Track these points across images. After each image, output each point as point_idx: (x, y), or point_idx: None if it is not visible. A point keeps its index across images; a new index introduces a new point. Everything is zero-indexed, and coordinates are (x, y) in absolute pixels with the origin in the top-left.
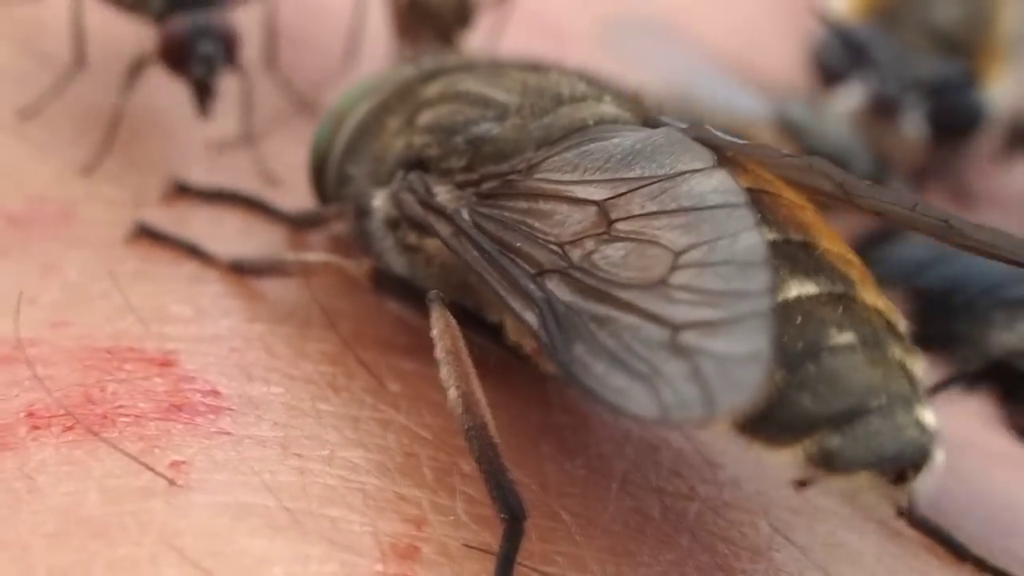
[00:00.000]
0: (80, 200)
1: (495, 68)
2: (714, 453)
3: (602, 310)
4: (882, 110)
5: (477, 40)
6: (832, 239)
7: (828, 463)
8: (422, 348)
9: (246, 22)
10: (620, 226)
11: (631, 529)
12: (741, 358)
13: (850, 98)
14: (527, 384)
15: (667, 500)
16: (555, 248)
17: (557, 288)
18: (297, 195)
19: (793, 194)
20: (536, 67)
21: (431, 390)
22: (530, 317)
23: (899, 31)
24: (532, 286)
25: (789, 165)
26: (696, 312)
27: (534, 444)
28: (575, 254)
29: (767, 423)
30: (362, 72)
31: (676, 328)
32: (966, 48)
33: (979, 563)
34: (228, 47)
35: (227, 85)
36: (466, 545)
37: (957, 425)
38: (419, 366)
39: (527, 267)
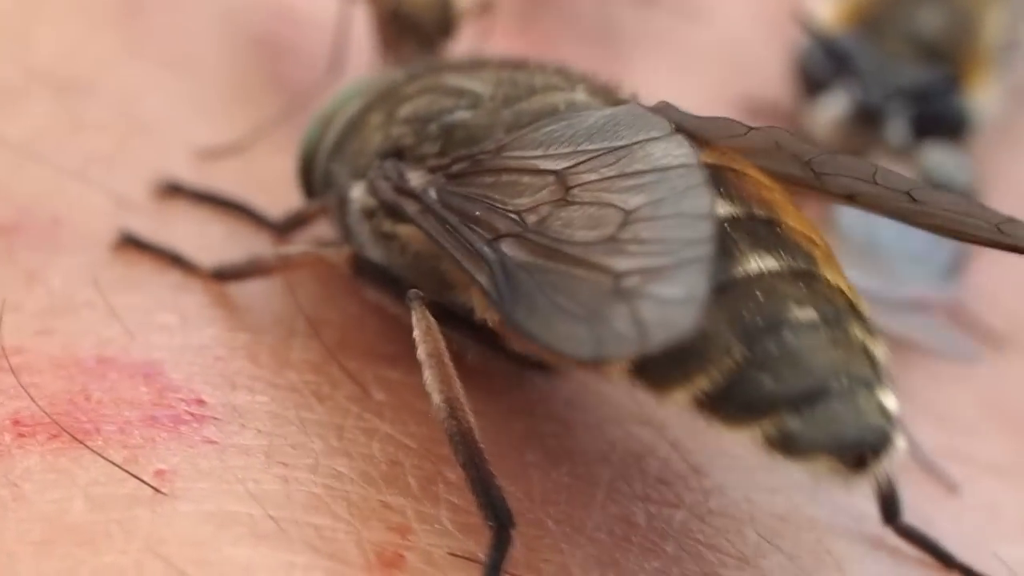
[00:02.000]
0: (66, 208)
1: (475, 64)
2: (700, 460)
3: (551, 265)
4: (865, 118)
5: (460, 50)
6: (797, 218)
7: (786, 446)
8: (407, 357)
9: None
10: (576, 192)
11: (617, 537)
12: (677, 299)
13: (833, 106)
14: (510, 392)
15: (653, 508)
16: (513, 215)
17: (511, 250)
18: (283, 204)
19: (759, 173)
20: (515, 63)
21: (416, 399)
22: (482, 279)
23: (882, 39)
24: (487, 249)
25: (755, 141)
26: (639, 261)
27: (518, 452)
28: (531, 219)
29: (726, 401)
30: (346, 81)
31: (618, 275)
32: (949, 56)
33: (965, 571)
34: None
35: (216, 92)
36: (451, 553)
37: (943, 434)
38: (404, 375)
39: (484, 233)
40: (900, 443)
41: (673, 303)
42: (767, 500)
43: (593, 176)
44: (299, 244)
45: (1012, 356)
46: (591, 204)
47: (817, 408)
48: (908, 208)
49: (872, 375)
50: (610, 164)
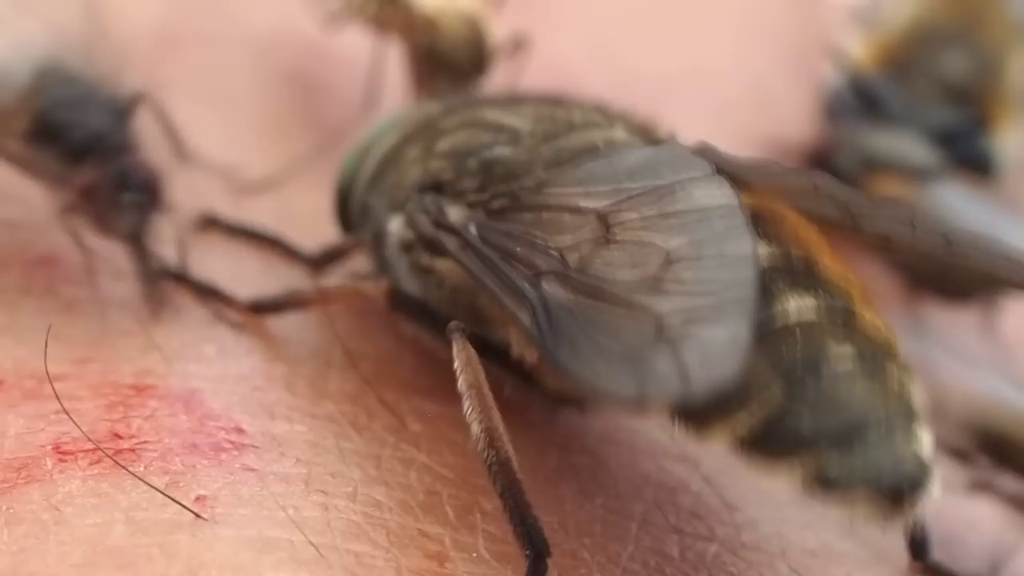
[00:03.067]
0: (102, 242)
1: (513, 99)
2: (732, 496)
3: (593, 305)
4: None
5: (492, 88)
6: (833, 259)
7: (825, 485)
8: (443, 389)
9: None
10: (617, 231)
11: (650, 569)
12: (720, 341)
13: (862, 147)
14: (544, 425)
15: (686, 541)
16: (554, 253)
17: (552, 288)
18: (317, 239)
19: (795, 215)
20: (553, 99)
21: (452, 430)
22: (523, 316)
23: (909, 80)
24: (528, 287)
25: (793, 184)
26: (681, 301)
27: (553, 485)
28: (572, 258)
29: (766, 439)
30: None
31: (661, 317)
32: (975, 98)
33: None
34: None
35: (250, 127)
36: None
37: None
38: (440, 407)
39: (525, 271)
40: (937, 484)
41: (716, 346)
42: (798, 535)
43: (634, 215)
44: (336, 278)
45: None
46: (632, 243)
47: (856, 447)
48: (942, 252)
49: (909, 414)
50: (651, 203)
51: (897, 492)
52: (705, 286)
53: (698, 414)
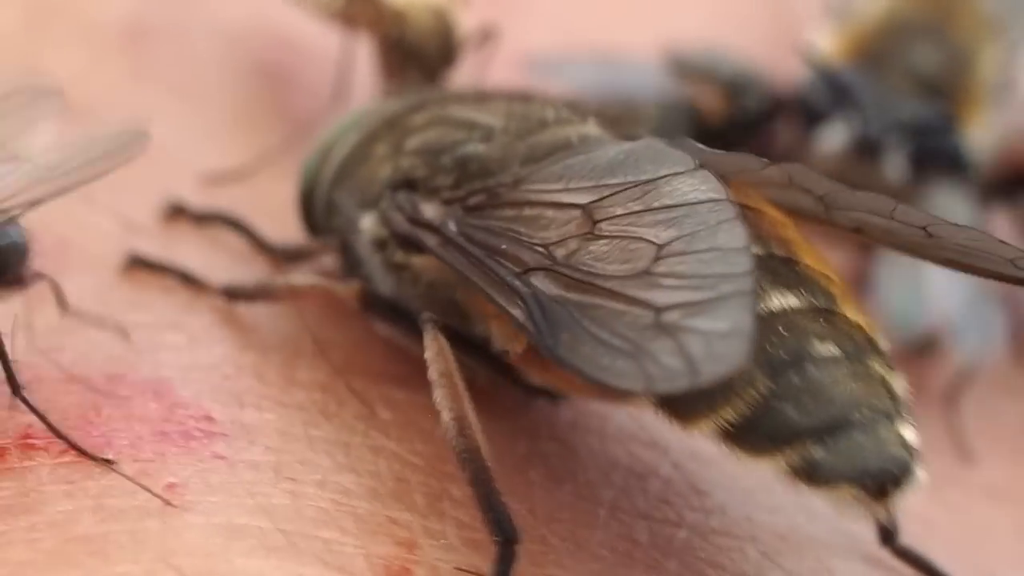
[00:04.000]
0: (73, 231)
1: (480, 96)
2: (702, 481)
3: (587, 299)
4: (864, 151)
5: (461, 78)
6: (813, 256)
7: (810, 475)
8: (412, 377)
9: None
10: (604, 226)
11: (619, 554)
12: (724, 333)
13: (832, 139)
14: (514, 413)
15: (655, 526)
16: (540, 249)
17: (542, 284)
18: (287, 230)
19: (774, 211)
20: (521, 95)
21: (421, 418)
22: (517, 312)
23: (880, 72)
24: (518, 283)
25: (769, 178)
26: (679, 295)
27: (522, 471)
28: (560, 253)
29: (750, 431)
30: (350, 109)
31: (659, 310)
32: (946, 92)
33: None
34: None
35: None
36: (457, 568)
37: (940, 459)
38: (409, 394)
39: (512, 267)
40: (921, 474)
41: (719, 337)
42: (767, 520)
43: (620, 210)
44: (308, 275)
45: (1010, 378)
46: (620, 238)
47: (840, 439)
48: (921, 243)
49: (892, 408)
50: (636, 198)
51: (881, 484)
52: (701, 280)
53: (683, 407)
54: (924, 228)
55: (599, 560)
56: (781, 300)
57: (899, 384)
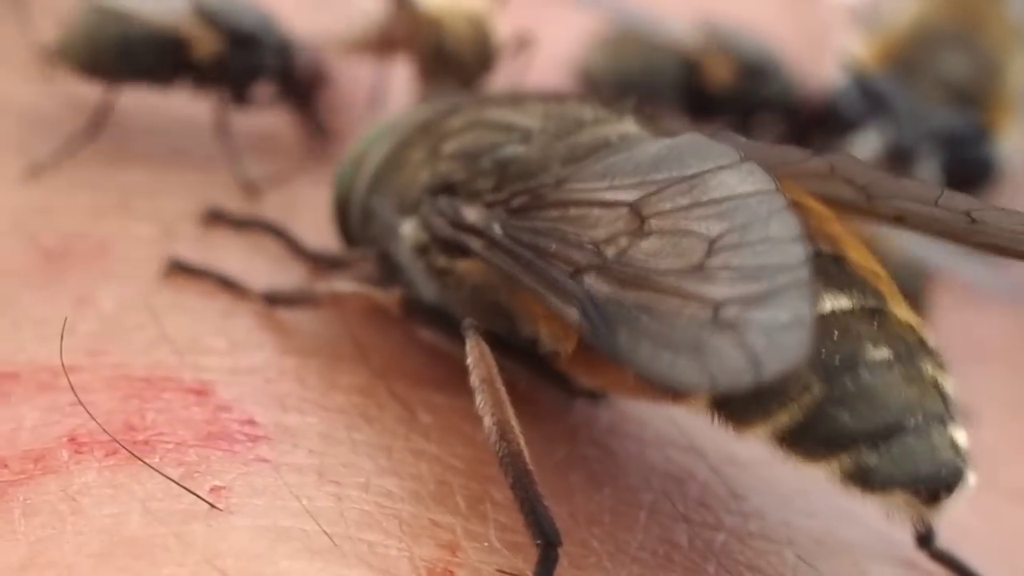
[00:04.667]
0: (113, 236)
1: (514, 99)
2: (739, 485)
3: (643, 297)
4: (897, 159)
5: (498, 85)
6: (859, 251)
7: (864, 480)
8: (452, 381)
9: None
10: (653, 222)
11: (659, 557)
12: (784, 324)
13: (865, 147)
14: (553, 417)
15: (694, 529)
16: (590, 247)
17: (595, 283)
18: (323, 237)
19: (818, 205)
20: (556, 96)
21: (461, 422)
22: (572, 312)
23: (912, 81)
24: (571, 283)
25: (811, 169)
26: (736, 288)
27: (562, 475)
28: (610, 251)
29: (804, 436)
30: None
31: (717, 305)
32: (975, 100)
33: None
34: None
35: (254, 130)
36: (499, 571)
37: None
38: (449, 399)
39: (564, 267)
40: (972, 479)
41: (781, 329)
42: (805, 524)
43: (668, 205)
44: (350, 282)
45: None
46: (671, 233)
47: (893, 444)
48: (964, 229)
49: (944, 410)
50: (684, 193)
51: (934, 490)
52: (757, 271)
53: (739, 410)
54: (968, 213)
55: (639, 562)
56: (833, 302)
57: (949, 383)
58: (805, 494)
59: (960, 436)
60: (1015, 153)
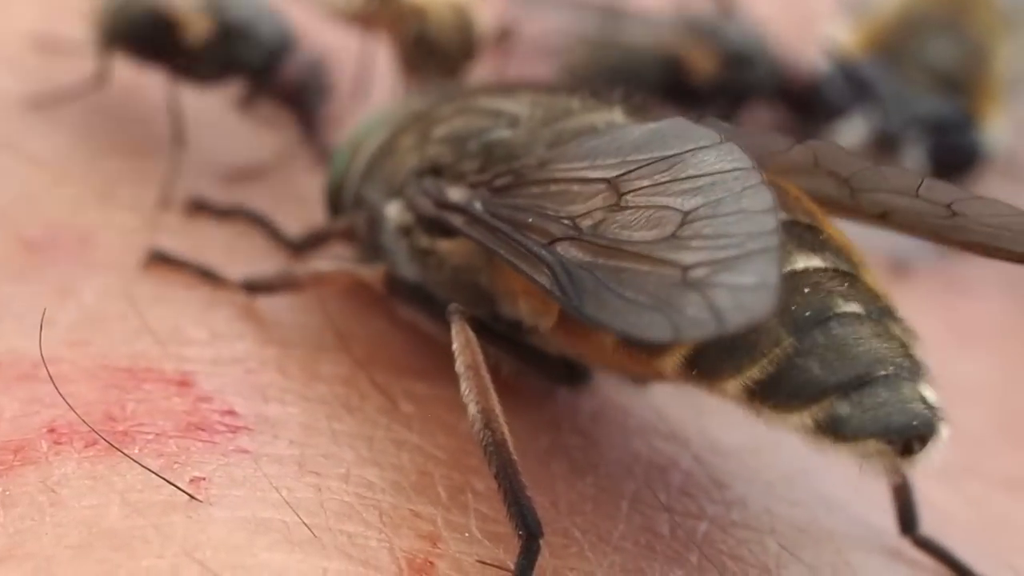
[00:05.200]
0: (96, 226)
1: (506, 88)
2: (722, 474)
3: (614, 263)
4: (883, 145)
5: (482, 72)
6: (834, 229)
7: (836, 430)
8: (434, 370)
9: None
10: (630, 198)
11: (641, 547)
12: (750, 286)
13: (851, 133)
14: (536, 406)
15: (676, 519)
16: (566, 221)
17: (568, 252)
18: (307, 224)
19: (797, 189)
20: (547, 86)
21: (443, 412)
22: (544, 279)
23: (899, 68)
24: (544, 252)
25: (793, 160)
26: (705, 254)
27: (544, 464)
28: (586, 224)
29: (776, 389)
30: (371, 106)
31: (686, 268)
32: (962, 87)
33: None
34: None
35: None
36: (480, 561)
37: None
38: (431, 388)
39: (539, 239)
40: (945, 432)
41: (746, 290)
42: (787, 512)
43: (646, 182)
44: (333, 261)
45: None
46: (646, 208)
47: (865, 394)
48: (944, 224)
49: (915, 367)
50: (663, 171)
51: (907, 439)
52: (728, 239)
53: (710, 367)
54: (949, 205)
55: (621, 552)
56: (805, 262)
57: (918, 348)
58: (788, 482)
59: (930, 391)
60: (1001, 139)
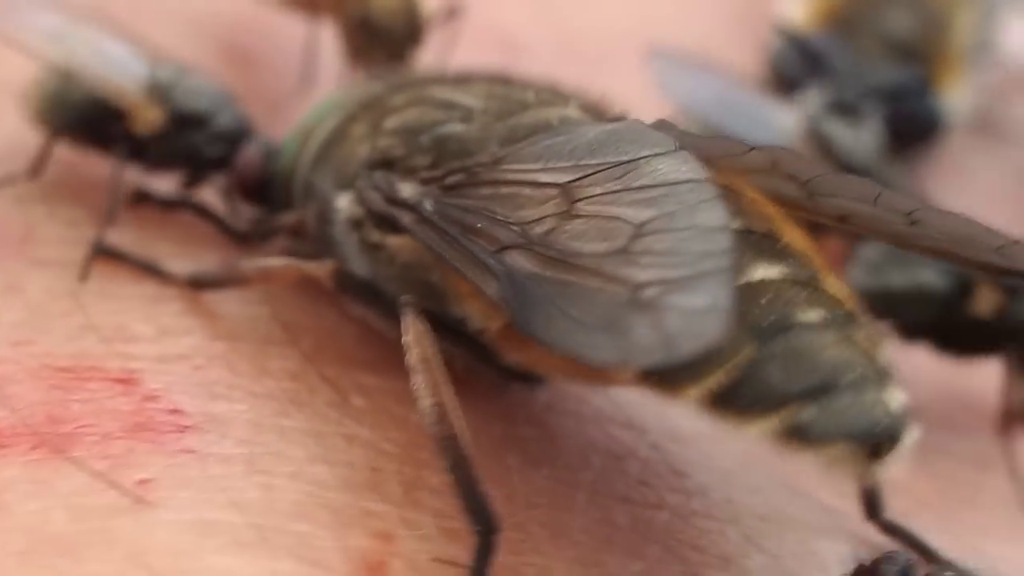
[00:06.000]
0: (39, 220)
1: (461, 78)
2: (681, 462)
3: (563, 276)
4: (841, 116)
5: (428, 56)
6: (794, 234)
7: (801, 436)
8: (384, 362)
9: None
10: (582, 206)
11: (600, 539)
12: (701, 309)
13: (808, 106)
14: (489, 396)
15: (635, 510)
16: (516, 228)
17: (517, 261)
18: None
19: (756, 193)
20: (501, 77)
21: (395, 404)
22: (491, 289)
23: (854, 39)
24: (491, 260)
25: (752, 163)
26: (656, 272)
27: (499, 456)
28: (536, 231)
29: (738, 397)
30: (318, 92)
31: (637, 287)
32: (921, 56)
33: (950, 566)
34: None
35: None
36: (436, 559)
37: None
38: (382, 380)
39: (487, 245)
40: (913, 433)
41: (697, 313)
42: (748, 501)
43: (598, 190)
44: (280, 257)
45: None
46: (598, 217)
47: (830, 399)
48: (905, 232)
49: (880, 371)
50: (616, 178)
51: (875, 442)
52: (680, 257)
53: (669, 377)
54: (908, 215)
55: (579, 546)
56: (764, 271)
57: (883, 351)
58: (748, 469)
59: (898, 394)
60: (961, 107)
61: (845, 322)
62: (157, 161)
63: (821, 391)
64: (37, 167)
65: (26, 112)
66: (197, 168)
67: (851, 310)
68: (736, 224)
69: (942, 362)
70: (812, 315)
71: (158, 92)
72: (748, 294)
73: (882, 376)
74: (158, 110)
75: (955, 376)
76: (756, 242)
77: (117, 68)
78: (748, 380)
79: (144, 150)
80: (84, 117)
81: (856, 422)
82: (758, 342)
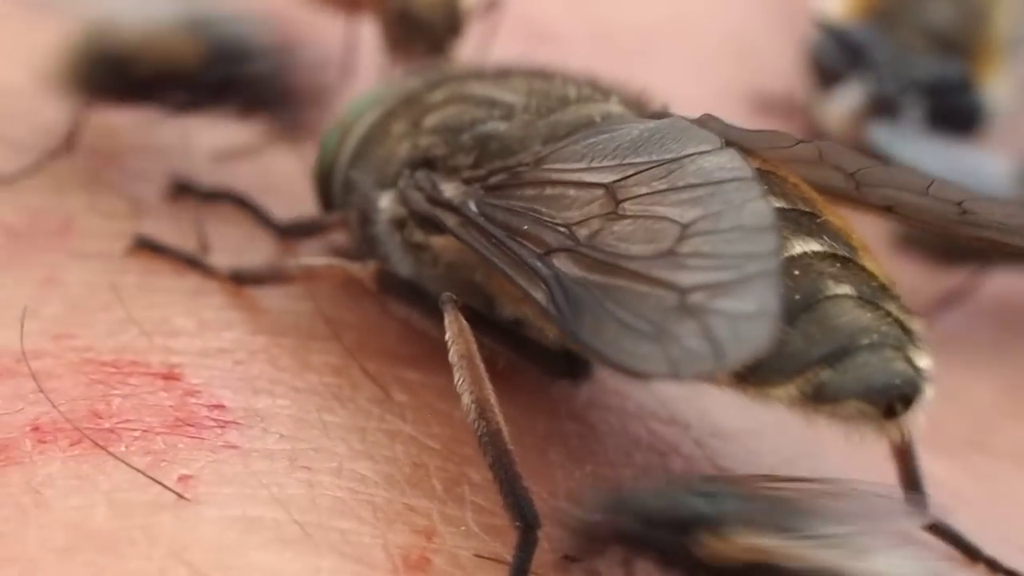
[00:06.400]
0: (79, 212)
1: (501, 73)
2: (723, 457)
3: (610, 281)
4: (880, 110)
5: (468, 48)
6: (837, 216)
7: (818, 395)
8: (427, 358)
9: None
10: (628, 206)
11: None
12: (749, 314)
13: (848, 99)
14: (532, 392)
15: None
16: (562, 229)
17: (564, 265)
18: (293, 206)
19: (797, 177)
20: (541, 72)
21: (437, 400)
22: (539, 295)
23: (894, 31)
24: (539, 264)
25: (799, 155)
26: (704, 275)
27: (541, 452)
28: (582, 233)
29: (761, 367)
30: (357, 86)
31: (684, 291)
32: (961, 48)
33: (991, 564)
34: None
35: None
36: (477, 555)
37: (965, 424)
38: (424, 376)
39: (534, 248)
40: (929, 392)
41: (745, 319)
42: None
43: (644, 189)
44: (323, 256)
45: None
46: (644, 217)
47: (848, 360)
48: (955, 221)
49: (903, 336)
50: (661, 177)
51: (889, 400)
52: (726, 259)
53: None
54: (959, 204)
55: None
56: (802, 246)
57: (915, 324)
58: (791, 465)
59: (921, 357)
60: (1002, 99)
61: (876, 295)
62: (205, 100)
63: (838, 356)
64: (72, 140)
65: (56, 82)
66: (247, 99)
67: (884, 285)
68: (778, 203)
69: (984, 354)
70: (841, 288)
71: (197, 28)
72: (782, 269)
73: (904, 340)
74: (201, 45)
75: (1001, 371)
76: (797, 220)
77: (151, 11)
78: (770, 350)
79: (188, 93)
80: (123, 70)
81: (869, 380)
82: (786, 318)
